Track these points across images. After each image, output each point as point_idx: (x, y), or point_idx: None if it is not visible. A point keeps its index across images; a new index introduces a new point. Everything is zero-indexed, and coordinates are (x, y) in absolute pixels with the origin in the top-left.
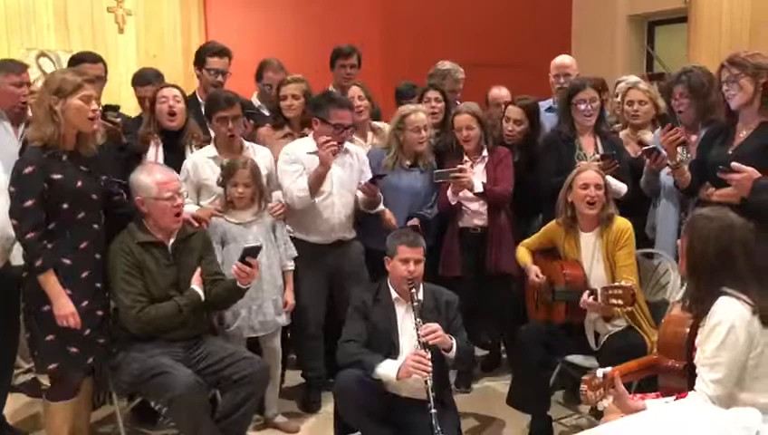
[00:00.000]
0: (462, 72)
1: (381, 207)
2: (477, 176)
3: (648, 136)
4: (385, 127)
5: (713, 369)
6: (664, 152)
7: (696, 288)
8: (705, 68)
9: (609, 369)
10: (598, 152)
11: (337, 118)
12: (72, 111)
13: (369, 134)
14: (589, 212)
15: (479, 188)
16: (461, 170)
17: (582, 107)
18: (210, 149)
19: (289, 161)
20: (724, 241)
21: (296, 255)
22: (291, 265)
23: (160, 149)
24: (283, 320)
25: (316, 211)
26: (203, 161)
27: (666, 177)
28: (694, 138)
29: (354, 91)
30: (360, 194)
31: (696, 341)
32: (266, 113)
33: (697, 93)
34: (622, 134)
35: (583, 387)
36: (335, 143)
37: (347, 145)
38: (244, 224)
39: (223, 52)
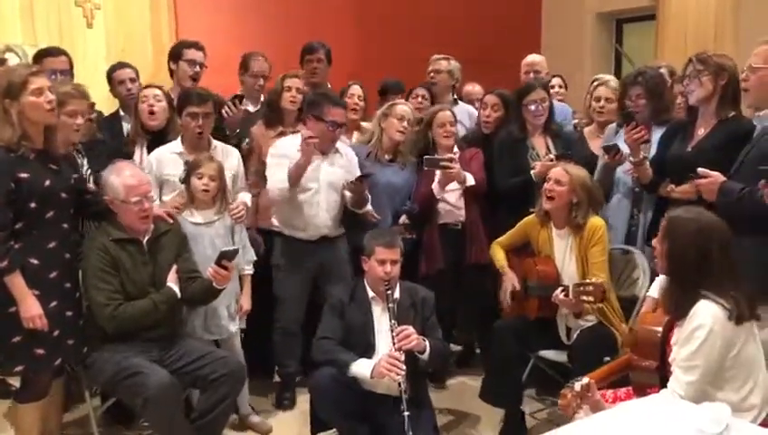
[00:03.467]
0: (438, 56)
1: (369, 207)
2: None
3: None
4: (370, 126)
5: (688, 371)
6: (624, 149)
7: (677, 290)
8: (660, 67)
9: (586, 379)
10: (550, 151)
11: (332, 115)
12: (28, 109)
13: (356, 133)
14: (546, 206)
15: (471, 182)
16: (451, 160)
17: (533, 108)
18: (176, 145)
19: (276, 155)
20: (703, 242)
21: (255, 259)
22: (249, 270)
23: (144, 149)
24: (235, 327)
25: (302, 208)
26: (167, 156)
27: (621, 173)
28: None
29: (355, 90)
30: (347, 193)
31: (672, 340)
32: (251, 109)
33: (653, 94)
34: (587, 131)
35: (562, 401)
36: (316, 138)
37: (338, 145)
38: (205, 224)
39: (198, 45)
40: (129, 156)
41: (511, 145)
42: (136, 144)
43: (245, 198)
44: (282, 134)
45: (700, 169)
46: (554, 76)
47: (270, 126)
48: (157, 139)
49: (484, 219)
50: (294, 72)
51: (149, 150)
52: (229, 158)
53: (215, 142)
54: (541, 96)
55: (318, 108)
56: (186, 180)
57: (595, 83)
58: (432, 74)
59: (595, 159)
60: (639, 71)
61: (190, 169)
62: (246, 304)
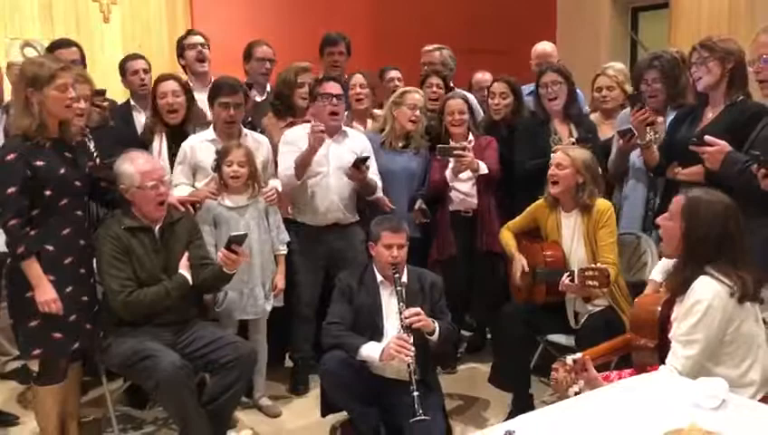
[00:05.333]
0: (432, 46)
1: (380, 193)
2: None
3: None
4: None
5: (687, 345)
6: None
7: (686, 268)
8: (673, 52)
9: (579, 355)
10: (572, 136)
11: (323, 89)
12: (50, 102)
13: (369, 121)
14: (551, 190)
15: (484, 170)
16: (464, 148)
17: (542, 91)
18: (209, 133)
19: (286, 143)
20: (726, 222)
21: (288, 240)
22: (283, 250)
23: (164, 140)
24: (270, 306)
25: (312, 192)
26: (201, 144)
27: (635, 157)
28: (660, 119)
29: (357, 78)
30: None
31: (673, 316)
32: (258, 99)
33: (668, 77)
34: (592, 117)
35: (554, 374)
36: (323, 128)
37: (345, 129)
38: (238, 209)
39: (193, 31)
40: (145, 145)
41: (533, 128)
42: (155, 133)
43: (276, 183)
44: (291, 124)
45: (707, 137)
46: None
47: (279, 116)
48: (176, 130)
49: (499, 206)
50: (307, 65)
51: (169, 141)
52: (260, 146)
53: (245, 130)
54: (551, 79)
55: (313, 90)
56: (217, 168)
57: (597, 73)
58: (426, 66)
59: (603, 145)
60: (655, 54)
61: (220, 157)
62: (281, 282)
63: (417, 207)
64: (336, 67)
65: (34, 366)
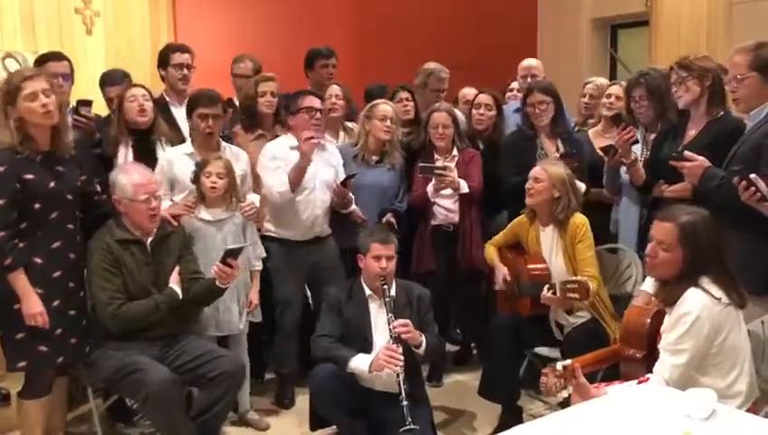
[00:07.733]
0: (446, 72)
1: (353, 206)
2: None
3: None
4: (357, 127)
5: (675, 354)
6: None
7: (683, 283)
8: (662, 70)
9: (569, 361)
10: (559, 151)
11: (306, 103)
12: (25, 114)
13: (342, 133)
14: (527, 201)
15: (465, 189)
16: (445, 168)
17: (530, 110)
18: (186, 146)
19: (270, 158)
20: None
21: (264, 255)
22: (258, 266)
23: (130, 150)
24: (245, 323)
25: (299, 207)
26: (178, 157)
27: (626, 174)
28: (652, 136)
29: (333, 89)
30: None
31: (662, 328)
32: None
33: (655, 95)
34: (591, 132)
35: (543, 379)
36: (317, 138)
37: (326, 144)
38: (216, 223)
39: (183, 48)
40: (109, 159)
41: (520, 143)
42: (120, 144)
43: (254, 198)
44: (261, 137)
45: (687, 153)
46: (587, 83)
47: (248, 130)
48: (142, 138)
49: (481, 222)
50: (269, 74)
51: (134, 150)
52: (238, 160)
53: (224, 144)
54: (539, 99)
55: (293, 104)
56: (196, 180)
57: (601, 82)
58: (444, 93)
59: (596, 162)
60: (642, 72)
61: (199, 169)
62: (255, 298)
63: (384, 220)
64: (331, 78)
65: (9, 385)
